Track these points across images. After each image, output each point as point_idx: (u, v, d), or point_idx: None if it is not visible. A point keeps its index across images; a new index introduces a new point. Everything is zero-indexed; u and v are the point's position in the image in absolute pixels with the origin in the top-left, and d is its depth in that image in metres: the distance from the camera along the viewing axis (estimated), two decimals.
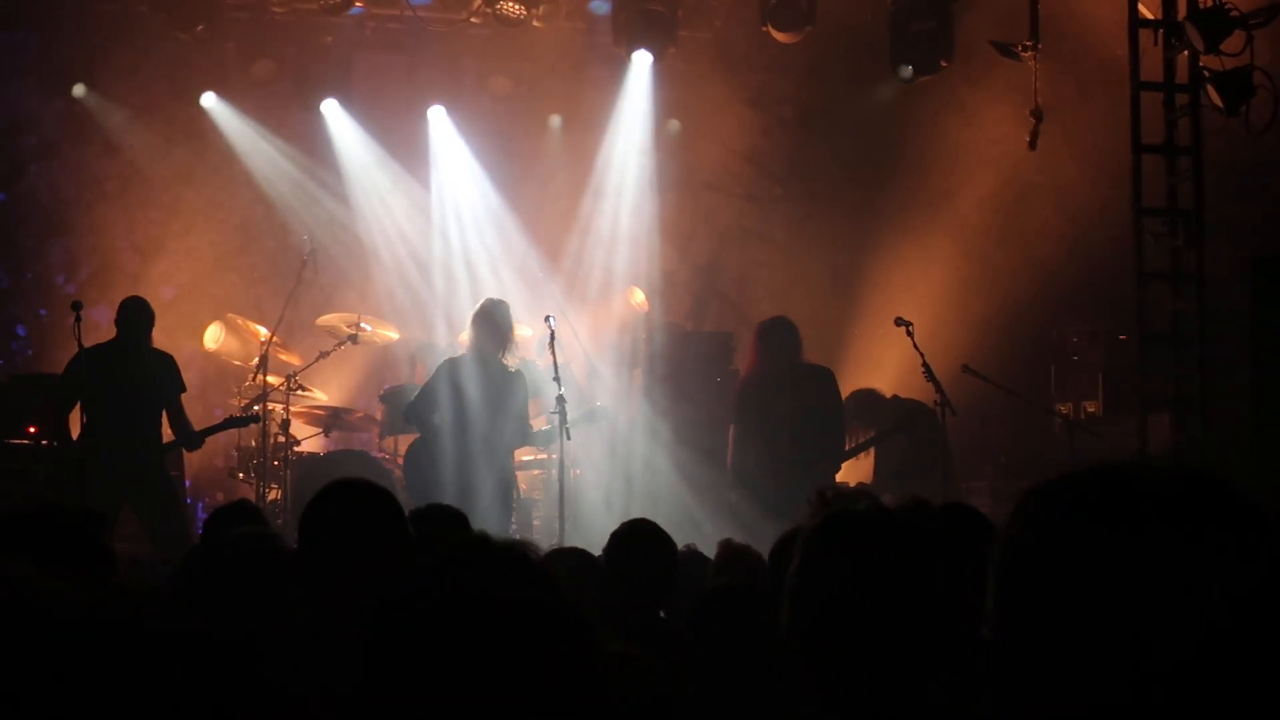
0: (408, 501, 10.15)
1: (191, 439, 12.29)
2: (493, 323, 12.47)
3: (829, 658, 2.85)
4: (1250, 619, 1.71)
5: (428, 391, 12.59)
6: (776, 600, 2.99)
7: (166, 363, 12.29)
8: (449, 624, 1.94)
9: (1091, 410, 14.99)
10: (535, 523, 13.92)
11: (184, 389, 12.34)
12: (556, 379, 12.09)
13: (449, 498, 10.87)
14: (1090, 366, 15.18)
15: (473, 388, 12.35)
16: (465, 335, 12.96)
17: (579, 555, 6.66)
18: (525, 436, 12.70)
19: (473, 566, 2.01)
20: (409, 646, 1.95)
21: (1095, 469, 1.83)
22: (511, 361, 12.60)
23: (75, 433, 12.06)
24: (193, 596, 5.15)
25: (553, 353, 12.31)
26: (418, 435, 12.77)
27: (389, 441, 14.34)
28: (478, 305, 12.77)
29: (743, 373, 13.09)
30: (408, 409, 12.82)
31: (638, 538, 6.35)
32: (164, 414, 12.17)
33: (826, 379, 12.69)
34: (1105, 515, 1.77)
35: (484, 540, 2.07)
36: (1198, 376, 12.34)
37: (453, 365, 12.56)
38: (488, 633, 1.93)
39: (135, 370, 12.01)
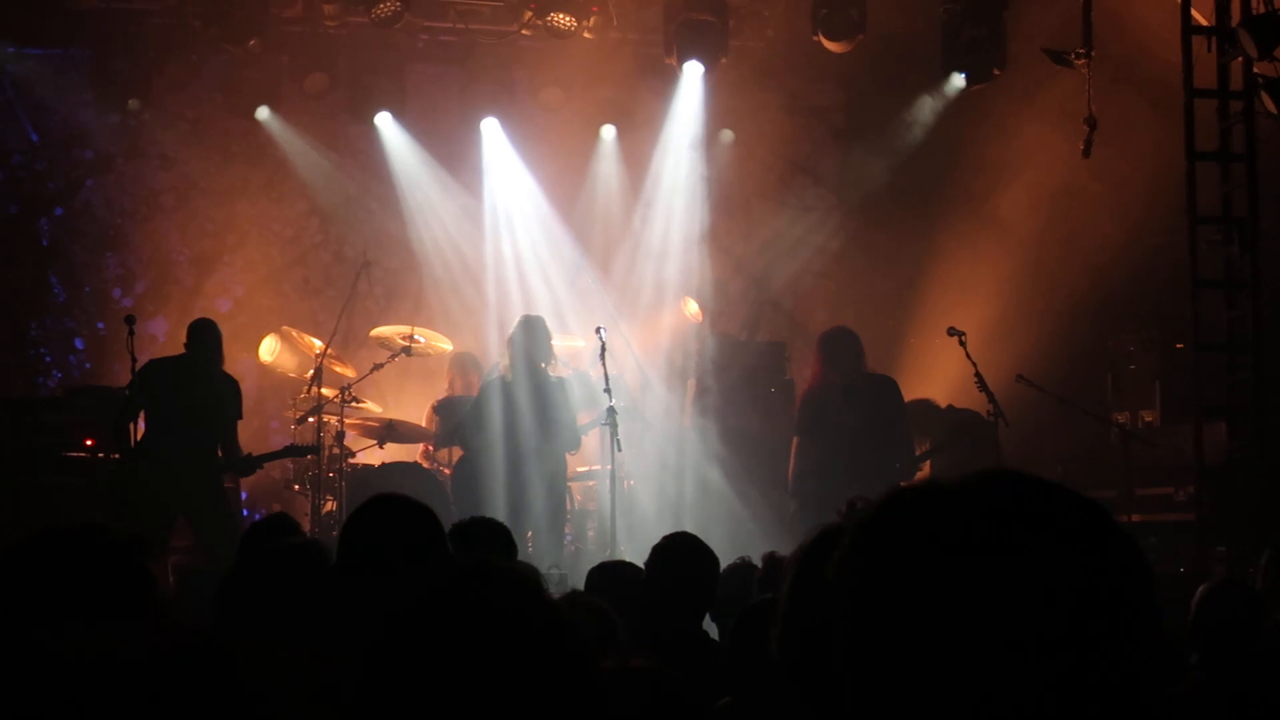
0: (456, 516, 10.19)
1: (245, 464, 12.41)
2: (533, 337, 12.67)
3: (819, 680, 2.75)
4: (1074, 634, 1.64)
5: (474, 413, 12.81)
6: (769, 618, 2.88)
7: (232, 387, 12.45)
8: (440, 648, 1.94)
9: (1149, 419, 14.87)
10: (590, 533, 13.95)
11: (240, 416, 12.48)
12: (607, 390, 12.17)
13: (498, 513, 10.96)
14: (1147, 375, 15.05)
15: (520, 405, 12.52)
16: (504, 357, 13.10)
17: (624, 567, 6.68)
18: (577, 439, 12.88)
19: (465, 592, 2.01)
20: (401, 669, 1.96)
21: (896, 498, 1.76)
22: (557, 371, 12.77)
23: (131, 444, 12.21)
24: (235, 610, 5.17)
25: (603, 364, 12.39)
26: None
27: (443, 453, 14.37)
28: (515, 324, 12.97)
29: (805, 383, 13.10)
30: (456, 430, 13.09)
31: (678, 550, 6.34)
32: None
33: (890, 388, 12.71)
34: (917, 546, 1.69)
35: (481, 564, 2.07)
36: (1253, 384, 12.25)
37: (498, 385, 12.77)
38: (477, 655, 1.93)
39: (201, 388, 12.13)
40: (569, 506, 13.73)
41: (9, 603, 3.38)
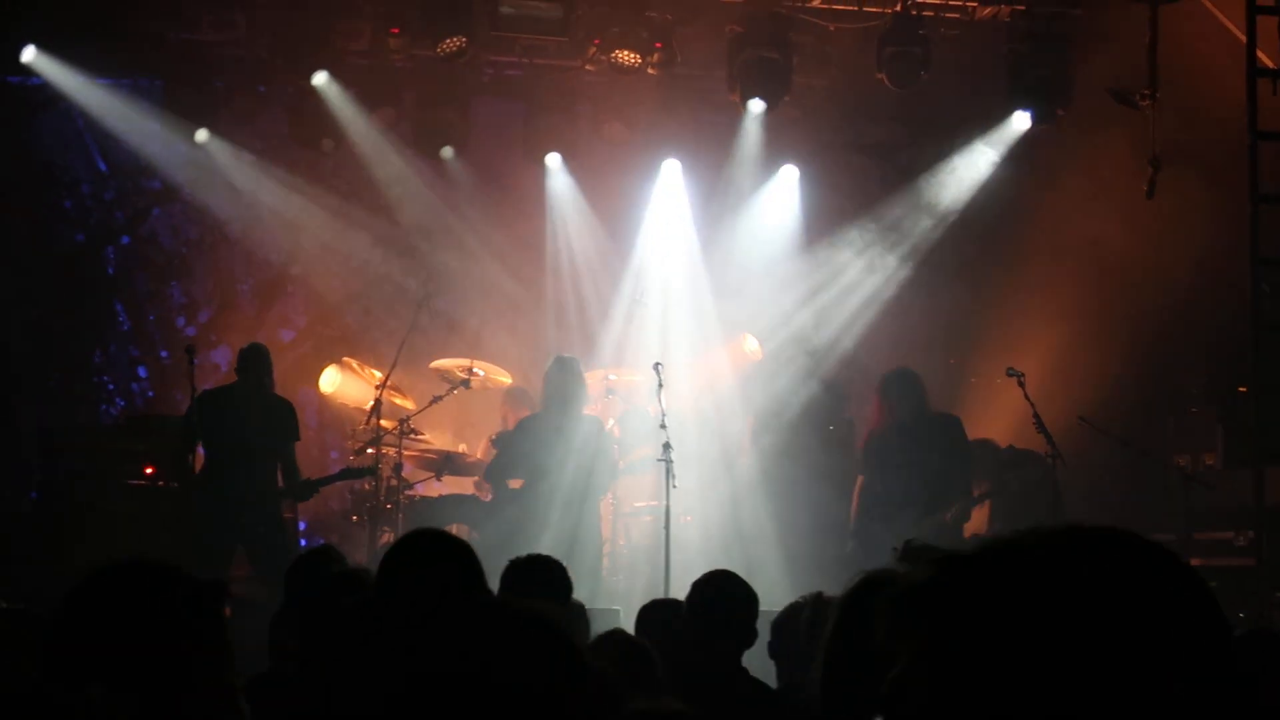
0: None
1: (302, 488, 12.46)
2: (566, 377, 12.84)
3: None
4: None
5: (503, 454, 12.97)
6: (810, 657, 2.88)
7: (285, 410, 12.49)
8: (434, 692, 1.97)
9: (1210, 463, 14.77)
10: (646, 569, 13.93)
11: (297, 437, 12.53)
12: (663, 426, 12.20)
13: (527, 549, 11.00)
14: (1209, 418, 14.97)
15: (549, 443, 12.65)
16: (539, 394, 13.37)
17: (673, 605, 6.67)
18: (605, 483, 13.01)
19: (480, 648, 2.03)
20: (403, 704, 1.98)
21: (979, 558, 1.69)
22: (590, 411, 12.95)
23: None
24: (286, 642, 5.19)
25: (660, 400, 12.43)
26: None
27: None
28: (550, 362, 13.20)
29: (869, 424, 13.12)
30: (487, 471, 13.26)
31: (716, 587, 6.33)
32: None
33: (954, 427, 12.70)
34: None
35: (500, 612, 2.08)
36: None
37: (526, 425, 13.00)
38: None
39: (254, 415, 12.21)
40: (623, 542, 13.78)
41: (85, 628, 3.34)
